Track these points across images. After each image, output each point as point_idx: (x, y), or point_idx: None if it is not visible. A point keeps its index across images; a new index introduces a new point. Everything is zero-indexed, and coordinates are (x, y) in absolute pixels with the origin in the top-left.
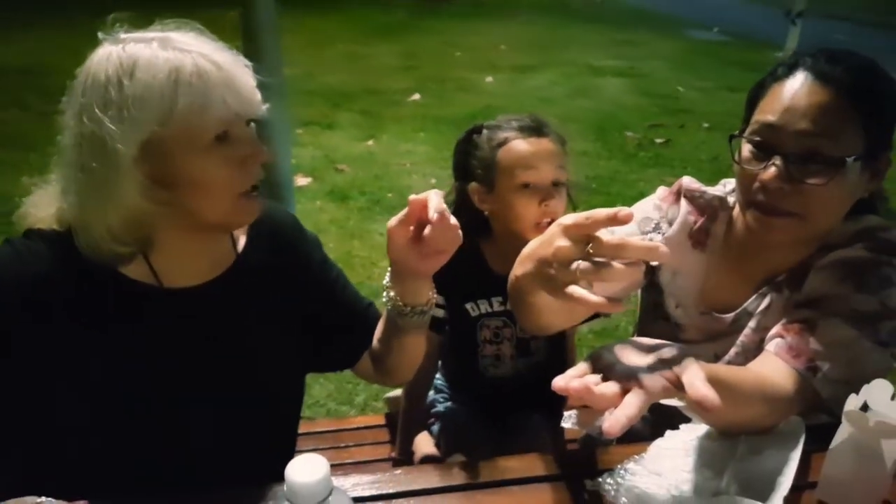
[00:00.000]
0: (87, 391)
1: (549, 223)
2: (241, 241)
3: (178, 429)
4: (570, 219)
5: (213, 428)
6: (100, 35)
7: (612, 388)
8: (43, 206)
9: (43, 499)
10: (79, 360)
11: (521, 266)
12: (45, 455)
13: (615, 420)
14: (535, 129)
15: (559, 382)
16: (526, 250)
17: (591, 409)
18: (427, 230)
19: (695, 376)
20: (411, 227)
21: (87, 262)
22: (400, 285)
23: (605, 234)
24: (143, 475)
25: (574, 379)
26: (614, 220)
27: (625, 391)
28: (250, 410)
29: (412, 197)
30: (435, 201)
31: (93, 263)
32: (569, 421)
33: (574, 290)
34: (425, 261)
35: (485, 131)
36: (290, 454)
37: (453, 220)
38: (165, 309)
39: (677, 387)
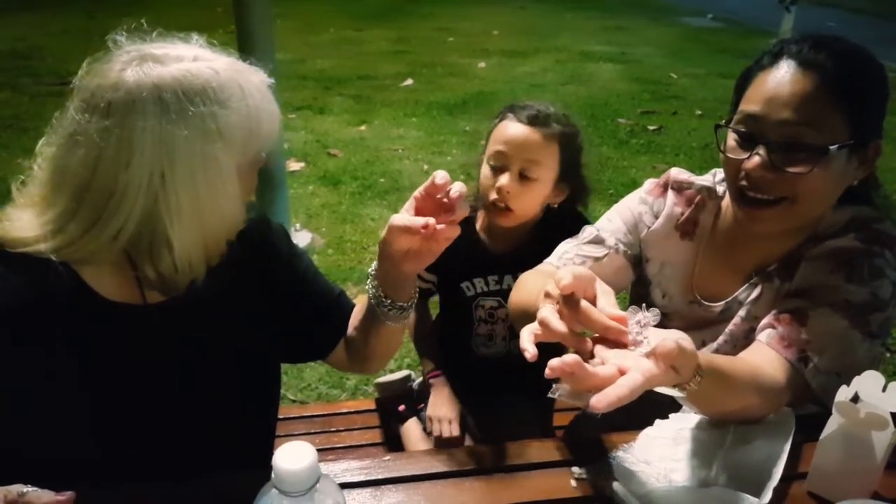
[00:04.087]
0: (49, 402)
1: (498, 202)
2: None
3: (144, 432)
4: (568, 276)
5: (184, 427)
6: (112, 45)
7: (608, 368)
8: (26, 228)
9: (29, 488)
10: (46, 378)
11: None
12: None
13: (603, 396)
14: (533, 118)
15: (554, 363)
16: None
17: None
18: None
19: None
20: (415, 229)
21: (68, 292)
22: (384, 279)
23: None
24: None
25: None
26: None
27: (621, 373)
28: (221, 409)
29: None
30: (458, 185)
31: (77, 292)
32: (556, 392)
33: (525, 332)
34: (413, 261)
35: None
36: (268, 448)
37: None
38: (140, 321)
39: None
